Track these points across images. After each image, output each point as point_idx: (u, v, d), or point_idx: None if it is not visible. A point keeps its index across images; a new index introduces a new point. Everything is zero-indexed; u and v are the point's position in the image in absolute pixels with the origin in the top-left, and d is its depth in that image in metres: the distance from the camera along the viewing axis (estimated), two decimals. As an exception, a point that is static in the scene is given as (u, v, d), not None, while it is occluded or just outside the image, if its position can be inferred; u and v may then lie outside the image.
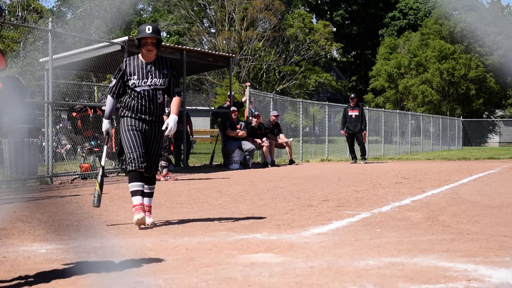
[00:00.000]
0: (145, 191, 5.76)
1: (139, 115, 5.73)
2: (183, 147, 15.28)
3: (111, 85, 5.84)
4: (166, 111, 7.14)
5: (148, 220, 5.72)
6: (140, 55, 5.83)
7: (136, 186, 5.68)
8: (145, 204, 5.72)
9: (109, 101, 5.84)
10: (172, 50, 15.02)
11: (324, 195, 8.56)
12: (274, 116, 17.63)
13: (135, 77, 5.73)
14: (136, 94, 5.71)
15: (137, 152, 5.65)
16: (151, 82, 5.73)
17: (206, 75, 41.68)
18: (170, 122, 5.74)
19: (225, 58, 17.95)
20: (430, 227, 5.64)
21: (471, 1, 48.30)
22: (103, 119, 5.89)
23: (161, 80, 5.74)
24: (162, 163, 12.00)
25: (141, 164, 5.65)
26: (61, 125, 15.93)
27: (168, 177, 11.73)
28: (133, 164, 5.64)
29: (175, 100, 5.85)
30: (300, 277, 3.65)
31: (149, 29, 5.68)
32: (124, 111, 5.79)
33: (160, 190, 8.74)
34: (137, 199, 5.65)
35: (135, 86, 5.71)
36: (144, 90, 5.71)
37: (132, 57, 5.85)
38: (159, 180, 11.58)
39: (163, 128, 5.76)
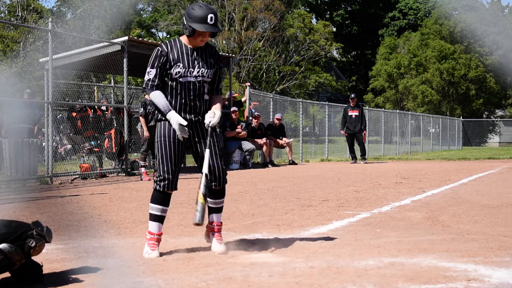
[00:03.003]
0: (211, 206, 4.64)
1: (182, 115, 4.51)
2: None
3: (149, 76, 4.50)
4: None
5: (220, 248, 4.51)
6: (183, 39, 4.61)
7: (157, 210, 4.52)
8: (215, 222, 4.64)
9: (154, 95, 4.50)
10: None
11: (324, 195, 8.56)
12: (277, 119, 17.63)
13: (181, 65, 4.50)
14: (180, 87, 4.50)
15: (170, 172, 4.48)
16: (197, 72, 4.53)
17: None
18: (217, 112, 4.54)
19: (225, 58, 17.92)
20: (430, 227, 5.64)
21: (471, 1, 48.29)
22: (167, 114, 4.48)
23: (208, 70, 4.56)
24: (141, 162, 12.08)
25: (171, 187, 4.51)
26: (61, 127, 15.93)
27: (143, 176, 11.81)
28: (162, 184, 4.49)
29: (219, 99, 4.71)
30: (300, 277, 3.65)
31: (211, 20, 4.48)
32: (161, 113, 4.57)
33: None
34: (154, 226, 4.52)
35: (180, 76, 4.49)
36: (189, 83, 4.51)
37: (172, 39, 4.63)
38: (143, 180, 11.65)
39: (208, 116, 4.52)
